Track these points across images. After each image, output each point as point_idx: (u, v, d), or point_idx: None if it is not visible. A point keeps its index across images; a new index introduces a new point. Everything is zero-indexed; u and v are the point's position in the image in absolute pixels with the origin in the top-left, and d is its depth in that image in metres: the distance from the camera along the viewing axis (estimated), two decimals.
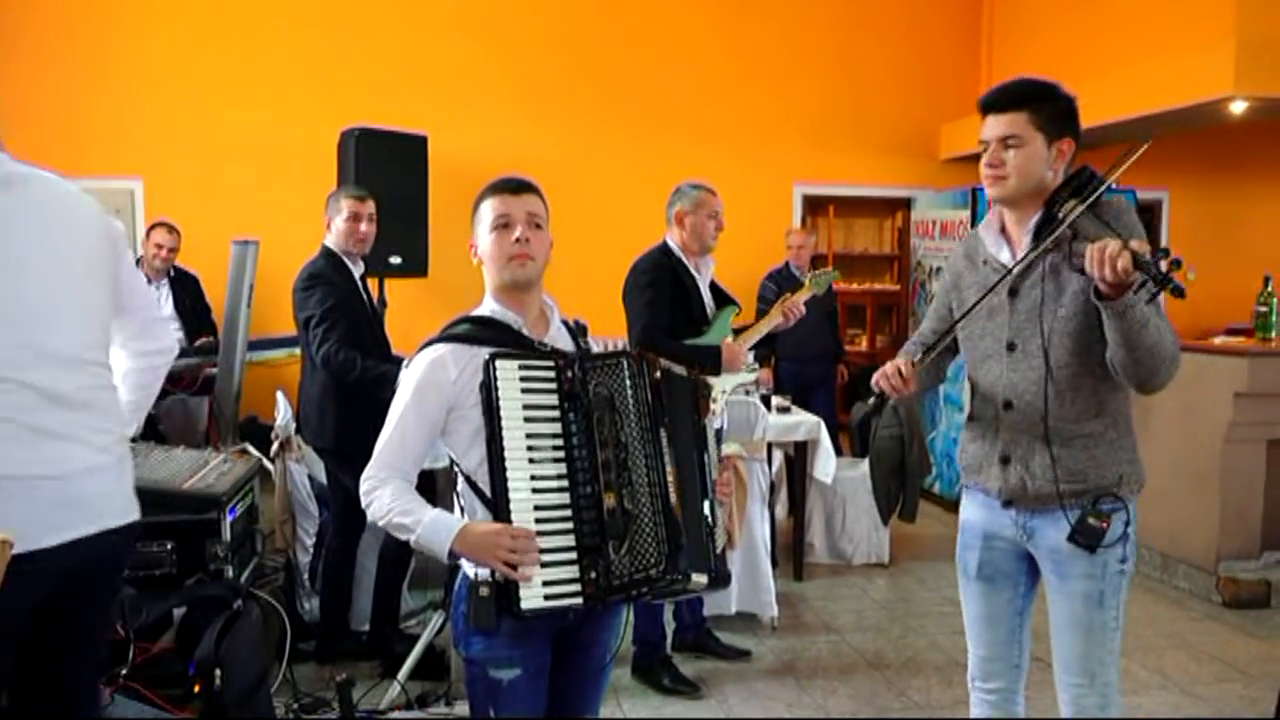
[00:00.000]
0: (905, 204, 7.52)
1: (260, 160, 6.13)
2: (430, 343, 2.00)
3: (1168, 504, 5.06)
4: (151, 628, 2.98)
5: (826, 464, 4.91)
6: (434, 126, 5.91)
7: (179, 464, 3.31)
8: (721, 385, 3.63)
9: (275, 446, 4.17)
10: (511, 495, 1.87)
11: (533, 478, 1.89)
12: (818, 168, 6.99)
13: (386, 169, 5.54)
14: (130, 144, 6.14)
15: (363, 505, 1.95)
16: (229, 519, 3.19)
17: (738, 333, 3.75)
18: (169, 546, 3.05)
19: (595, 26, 6.67)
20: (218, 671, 2.65)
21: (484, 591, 1.89)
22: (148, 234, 5.57)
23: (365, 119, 5.60)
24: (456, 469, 1.98)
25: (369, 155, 5.47)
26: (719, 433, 3.82)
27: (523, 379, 1.92)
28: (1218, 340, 4.97)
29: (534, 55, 6.61)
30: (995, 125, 2.14)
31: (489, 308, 2.04)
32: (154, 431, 5.09)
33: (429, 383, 1.95)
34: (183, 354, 5.29)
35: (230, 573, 3.13)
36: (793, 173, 6.98)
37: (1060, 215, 2.05)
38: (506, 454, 1.88)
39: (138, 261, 5.67)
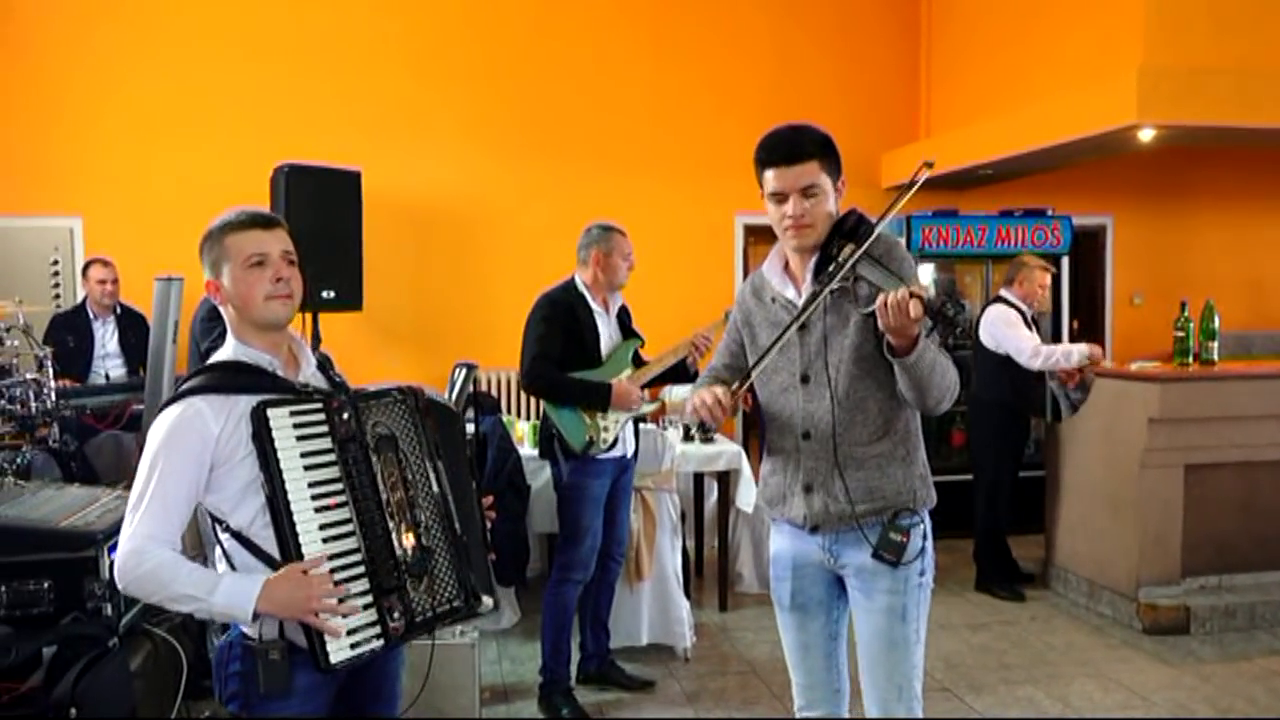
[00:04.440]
0: None
1: (195, 198, 6.16)
2: (178, 396, 1.87)
3: (1091, 531, 5.07)
4: (22, 666, 2.98)
5: (747, 493, 4.92)
6: (368, 161, 5.96)
7: (63, 502, 3.33)
8: (615, 415, 3.68)
9: None
10: (305, 549, 1.83)
11: (321, 527, 1.87)
12: (760, 198, 7.04)
13: (318, 204, 5.60)
14: (69, 182, 6.19)
15: (120, 582, 1.82)
16: (111, 556, 3.20)
17: (642, 364, 3.83)
18: (45, 585, 3.06)
19: (531, 59, 6.74)
20: (73, 711, 2.67)
21: (274, 655, 1.82)
22: (84, 273, 5.64)
23: (299, 155, 5.65)
24: (218, 528, 1.89)
25: (300, 191, 5.53)
26: (626, 459, 3.86)
27: (296, 425, 1.87)
28: (1133, 366, 4.99)
29: (470, 89, 6.68)
30: (792, 177, 2.16)
31: (236, 351, 1.95)
32: (87, 468, 5.12)
33: (187, 439, 1.83)
34: (108, 391, 5.35)
35: (109, 610, 3.14)
36: (734, 203, 7.02)
37: (839, 259, 2.11)
38: (292, 505, 1.83)
39: (84, 301, 5.74)
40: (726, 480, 5.01)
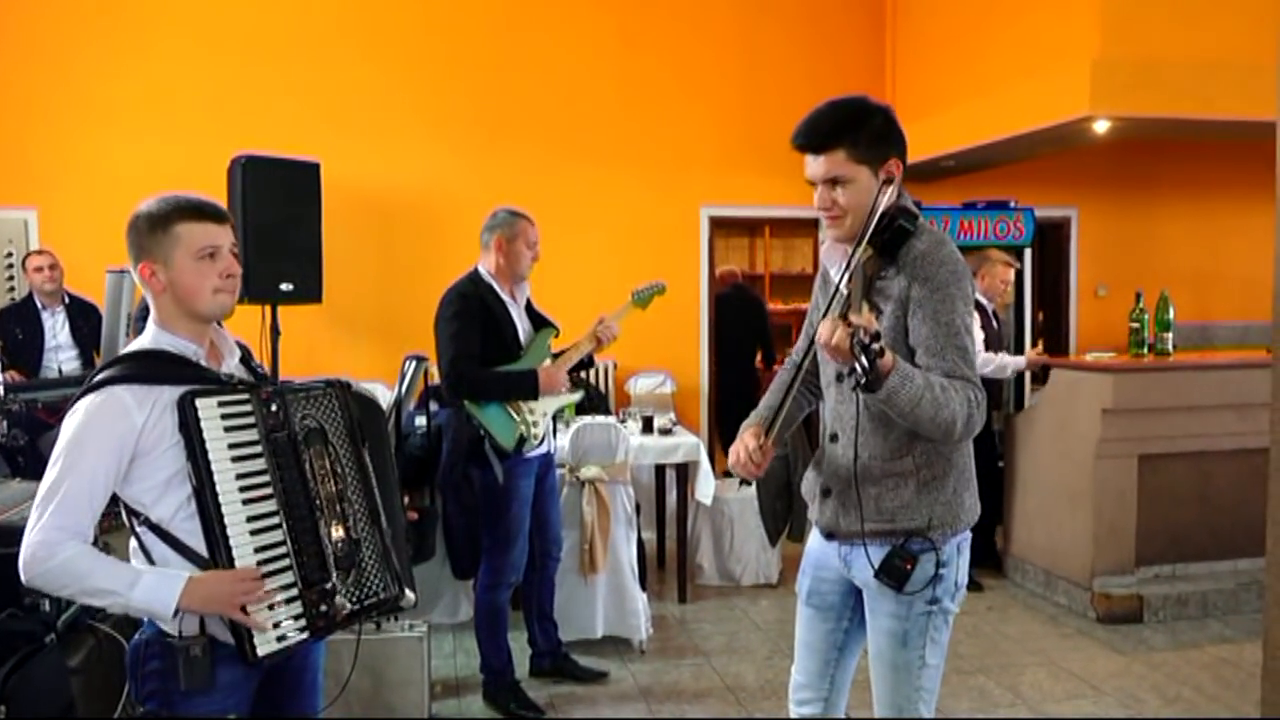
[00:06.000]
0: None
1: (151, 189, 6.03)
2: (98, 384, 1.79)
3: (1047, 521, 5.10)
4: None
5: (705, 485, 4.92)
6: (328, 153, 5.90)
7: (2, 497, 3.28)
8: (543, 408, 3.63)
9: None
10: (232, 540, 1.82)
11: (249, 519, 1.86)
12: (725, 190, 7.04)
13: (276, 196, 5.54)
14: (24, 174, 6.11)
15: (25, 574, 1.74)
16: None
17: (557, 356, 3.72)
18: None
19: (495, 48, 6.69)
20: (3, 708, 2.63)
21: (196, 651, 1.79)
22: (23, 268, 5.59)
23: (257, 146, 5.59)
24: (134, 520, 1.84)
25: (258, 183, 5.46)
26: (550, 456, 3.82)
27: (224, 416, 1.85)
28: (1088, 357, 5.02)
29: (432, 80, 6.63)
30: (816, 166, 2.05)
31: (157, 340, 1.88)
32: (40, 463, 5.04)
33: (108, 429, 1.76)
34: (60, 384, 5.28)
35: (47, 606, 3.10)
36: (700, 195, 7.01)
37: (852, 261, 2.01)
38: (220, 498, 1.81)
39: (29, 295, 5.67)
40: (686, 472, 5.01)
